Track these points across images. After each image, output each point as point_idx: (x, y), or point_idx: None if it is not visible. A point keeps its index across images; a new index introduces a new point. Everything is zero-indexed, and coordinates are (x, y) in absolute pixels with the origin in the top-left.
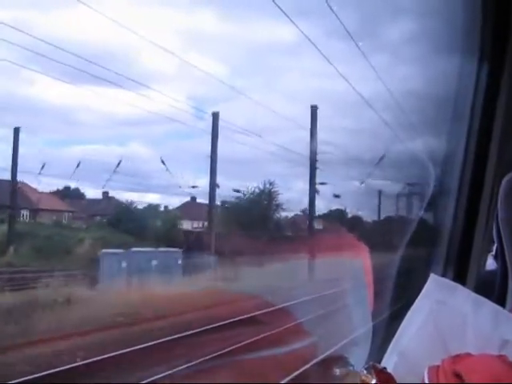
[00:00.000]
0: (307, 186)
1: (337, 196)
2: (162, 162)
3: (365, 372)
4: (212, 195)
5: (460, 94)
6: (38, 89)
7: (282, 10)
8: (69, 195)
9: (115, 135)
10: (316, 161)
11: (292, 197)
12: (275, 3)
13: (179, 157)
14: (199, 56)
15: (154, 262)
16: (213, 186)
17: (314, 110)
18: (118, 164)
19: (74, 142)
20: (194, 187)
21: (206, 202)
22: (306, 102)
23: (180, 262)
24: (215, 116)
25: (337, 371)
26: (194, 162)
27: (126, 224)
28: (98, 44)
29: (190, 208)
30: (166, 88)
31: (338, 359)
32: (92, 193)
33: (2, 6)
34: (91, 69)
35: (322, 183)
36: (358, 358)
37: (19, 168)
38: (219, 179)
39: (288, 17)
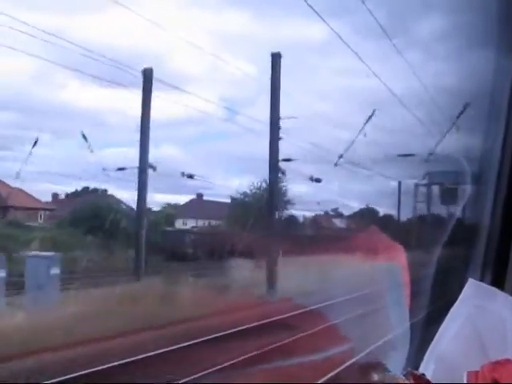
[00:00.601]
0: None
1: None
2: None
3: (403, 378)
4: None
5: (496, 89)
6: (71, 93)
7: (312, 8)
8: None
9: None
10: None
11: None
12: (307, 2)
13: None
14: (230, 56)
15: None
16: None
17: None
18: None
19: (105, 145)
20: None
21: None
22: (337, 100)
23: (54, 271)
24: (147, 73)
25: (374, 376)
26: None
27: (89, 223)
28: (127, 47)
29: (193, 206)
30: (196, 89)
31: (376, 364)
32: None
33: (34, 10)
34: (122, 72)
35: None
36: (396, 363)
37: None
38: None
39: (319, 15)
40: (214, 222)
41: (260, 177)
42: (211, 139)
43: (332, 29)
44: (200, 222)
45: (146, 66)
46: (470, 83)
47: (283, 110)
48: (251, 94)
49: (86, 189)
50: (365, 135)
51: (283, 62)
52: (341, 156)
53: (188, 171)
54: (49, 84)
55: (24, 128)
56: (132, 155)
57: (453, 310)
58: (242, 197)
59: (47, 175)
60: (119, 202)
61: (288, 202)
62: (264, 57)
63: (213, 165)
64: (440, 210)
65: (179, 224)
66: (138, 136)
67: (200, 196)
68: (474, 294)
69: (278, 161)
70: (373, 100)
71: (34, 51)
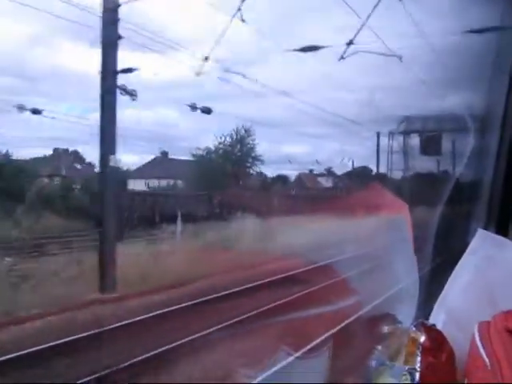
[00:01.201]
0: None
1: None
2: None
3: (414, 329)
4: None
5: (501, 46)
6: (65, 55)
7: None
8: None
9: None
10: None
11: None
12: None
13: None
14: (226, 17)
15: None
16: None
17: None
18: None
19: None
20: None
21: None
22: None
23: None
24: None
25: (385, 328)
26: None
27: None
28: (125, 8)
29: (156, 165)
30: (192, 50)
31: (386, 316)
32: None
33: None
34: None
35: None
36: (406, 315)
37: None
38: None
39: None
40: (176, 182)
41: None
42: (204, 100)
43: None
44: (164, 182)
45: (138, 25)
46: (474, 40)
47: (286, 73)
48: (247, 55)
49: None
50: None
51: (278, 21)
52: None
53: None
54: (45, 47)
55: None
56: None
57: (462, 260)
58: (205, 153)
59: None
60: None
61: (256, 159)
62: (261, 17)
63: (206, 127)
64: (444, 165)
65: (141, 185)
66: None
67: (165, 154)
68: (483, 245)
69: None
70: (374, 59)
71: (27, 14)
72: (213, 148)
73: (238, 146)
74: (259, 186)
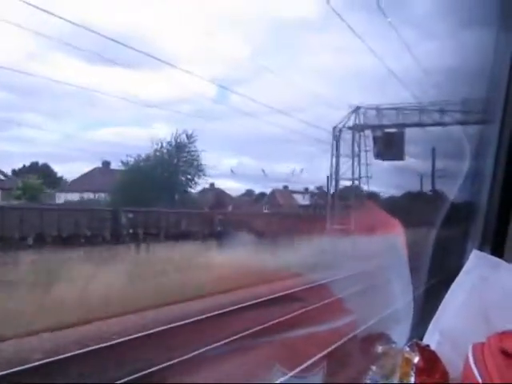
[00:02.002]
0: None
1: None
2: None
3: (408, 349)
4: None
5: (495, 68)
6: (64, 73)
7: None
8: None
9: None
10: None
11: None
12: None
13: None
14: (223, 35)
15: None
16: None
17: None
18: None
19: (100, 125)
20: None
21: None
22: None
23: None
24: None
25: (379, 348)
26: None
27: None
28: (122, 25)
29: (94, 177)
30: (190, 68)
31: (380, 336)
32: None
33: None
34: (116, 50)
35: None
36: (400, 335)
37: None
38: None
39: None
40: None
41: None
42: (203, 118)
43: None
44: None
45: (139, 44)
46: (467, 62)
47: (278, 89)
48: (245, 74)
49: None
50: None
51: (278, 40)
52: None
53: None
54: (42, 63)
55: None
56: (129, 134)
57: (457, 281)
58: (140, 161)
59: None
60: None
61: (199, 169)
62: (258, 36)
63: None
64: (439, 186)
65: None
66: (134, 114)
67: (106, 164)
68: (478, 265)
69: None
70: (369, 78)
71: (26, 29)
72: (149, 155)
73: (184, 154)
74: (198, 202)
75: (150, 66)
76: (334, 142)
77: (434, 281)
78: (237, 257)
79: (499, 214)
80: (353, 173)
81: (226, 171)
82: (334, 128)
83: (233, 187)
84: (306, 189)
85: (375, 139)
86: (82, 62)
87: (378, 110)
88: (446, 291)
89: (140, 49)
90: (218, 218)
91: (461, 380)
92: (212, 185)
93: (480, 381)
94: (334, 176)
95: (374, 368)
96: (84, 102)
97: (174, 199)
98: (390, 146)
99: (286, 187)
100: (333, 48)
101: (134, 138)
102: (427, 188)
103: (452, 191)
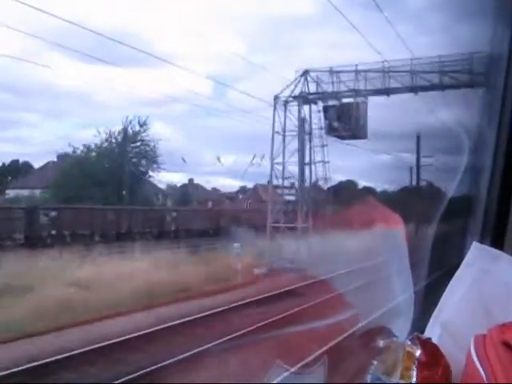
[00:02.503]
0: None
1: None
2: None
3: (409, 343)
4: None
5: (493, 62)
6: (59, 72)
7: None
8: None
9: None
10: None
11: None
12: None
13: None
14: (218, 33)
15: None
16: None
17: None
18: None
19: (96, 125)
20: None
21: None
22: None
23: None
24: None
25: (381, 342)
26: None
27: None
28: (117, 23)
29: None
30: (185, 65)
31: (381, 330)
32: None
33: None
34: (110, 48)
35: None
36: (401, 328)
37: None
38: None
39: None
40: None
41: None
42: (199, 116)
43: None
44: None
45: (134, 43)
46: (468, 56)
47: (273, 87)
48: (239, 71)
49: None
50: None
51: (272, 37)
52: None
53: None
54: (38, 62)
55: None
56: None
57: (457, 273)
58: (84, 152)
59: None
60: None
61: (154, 162)
62: (253, 32)
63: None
64: (438, 180)
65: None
66: (128, 113)
67: (61, 158)
68: (478, 258)
69: None
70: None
71: (20, 29)
72: (94, 146)
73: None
74: (151, 197)
75: (145, 63)
76: (278, 117)
77: (435, 274)
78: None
79: (499, 207)
80: (300, 156)
81: (222, 169)
82: (276, 98)
83: (229, 184)
84: (292, 183)
85: (326, 110)
86: (76, 61)
87: (333, 72)
88: (447, 284)
89: (135, 47)
90: (172, 216)
91: (463, 373)
92: (191, 180)
93: (482, 373)
94: (271, 161)
95: (375, 362)
96: (79, 101)
97: (120, 195)
98: (346, 119)
99: (269, 182)
100: (326, 44)
101: None
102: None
103: (451, 185)
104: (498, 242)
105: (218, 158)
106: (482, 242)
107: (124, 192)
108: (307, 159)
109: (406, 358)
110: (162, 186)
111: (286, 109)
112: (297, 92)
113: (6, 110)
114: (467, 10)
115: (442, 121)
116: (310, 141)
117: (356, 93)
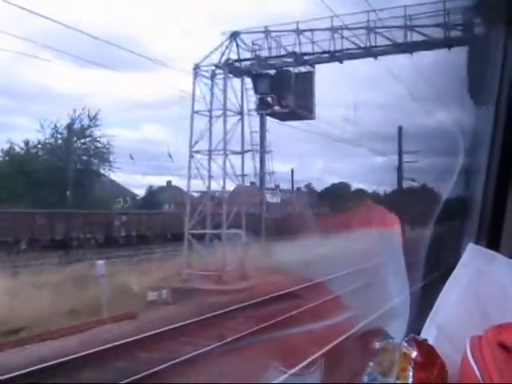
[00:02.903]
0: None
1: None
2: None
3: (405, 345)
4: None
5: (488, 63)
6: (52, 76)
7: None
8: None
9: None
10: None
11: None
12: None
13: None
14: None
15: None
16: None
17: None
18: None
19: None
20: None
21: None
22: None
23: None
24: None
25: (377, 344)
26: None
27: None
28: (110, 26)
29: None
30: (182, 67)
31: (377, 331)
32: None
33: None
34: (104, 51)
35: None
36: (397, 330)
37: None
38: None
39: None
40: None
41: None
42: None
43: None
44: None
45: (130, 46)
46: (462, 57)
47: None
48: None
49: None
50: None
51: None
52: None
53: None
54: (32, 66)
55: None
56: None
57: (453, 275)
58: (23, 149)
59: None
60: None
61: (104, 159)
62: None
63: None
64: (434, 182)
65: None
66: (125, 116)
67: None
68: (474, 259)
69: None
70: (360, 75)
71: (14, 31)
72: (40, 142)
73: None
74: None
75: (141, 67)
76: (201, 93)
77: (431, 276)
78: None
79: (494, 208)
80: (224, 144)
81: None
82: (197, 68)
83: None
84: (277, 186)
85: (257, 80)
86: (71, 64)
87: (269, 33)
88: (443, 286)
89: (132, 51)
90: (122, 221)
91: (459, 374)
92: (169, 182)
93: (478, 374)
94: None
95: (371, 364)
96: (74, 105)
97: (62, 196)
98: (284, 92)
99: (252, 183)
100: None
101: (124, 140)
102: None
103: (446, 186)
104: (493, 244)
105: (169, 154)
106: (477, 243)
107: (68, 193)
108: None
109: (403, 359)
110: (138, 189)
111: (213, 82)
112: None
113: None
114: None
115: (435, 120)
116: (242, 123)
117: (296, 58)
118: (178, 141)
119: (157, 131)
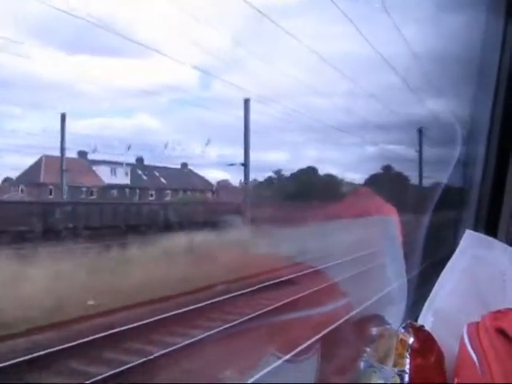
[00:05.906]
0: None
1: None
2: None
3: (402, 331)
4: None
5: (486, 53)
6: (39, 63)
7: None
8: None
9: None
10: None
11: None
12: None
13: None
14: (201, 24)
15: None
16: None
17: None
18: None
19: (80, 116)
20: None
21: None
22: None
23: None
24: None
25: (374, 330)
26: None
27: None
28: (98, 10)
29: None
30: (173, 56)
31: (374, 317)
32: None
33: None
34: (92, 36)
35: None
36: (394, 316)
37: None
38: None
39: None
40: None
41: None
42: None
43: None
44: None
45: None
46: (458, 46)
47: (260, 77)
48: (225, 62)
49: None
50: None
51: (260, 27)
52: None
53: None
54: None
55: None
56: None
57: (451, 261)
58: None
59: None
60: None
61: None
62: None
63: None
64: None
65: None
66: (116, 105)
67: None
68: (471, 245)
69: None
70: (354, 65)
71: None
72: None
73: None
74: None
75: (131, 54)
76: None
77: (429, 262)
78: None
79: (492, 196)
80: None
81: (211, 161)
82: None
83: (213, 177)
84: (246, 183)
85: None
86: (57, 50)
87: None
88: (440, 272)
89: (122, 35)
90: (65, 210)
91: (456, 360)
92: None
93: (476, 360)
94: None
95: (368, 350)
96: (65, 93)
97: None
98: None
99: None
100: (314, 35)
101: (118, 129)
102: None
103: (445, 175)
104: (491, 231)
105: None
106: (475, 230)
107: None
108: None
109: (400, 346)
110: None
111: None
112: None
113: None
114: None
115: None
116: None
117: None
118: (171, 130)
119: (148, 120)
